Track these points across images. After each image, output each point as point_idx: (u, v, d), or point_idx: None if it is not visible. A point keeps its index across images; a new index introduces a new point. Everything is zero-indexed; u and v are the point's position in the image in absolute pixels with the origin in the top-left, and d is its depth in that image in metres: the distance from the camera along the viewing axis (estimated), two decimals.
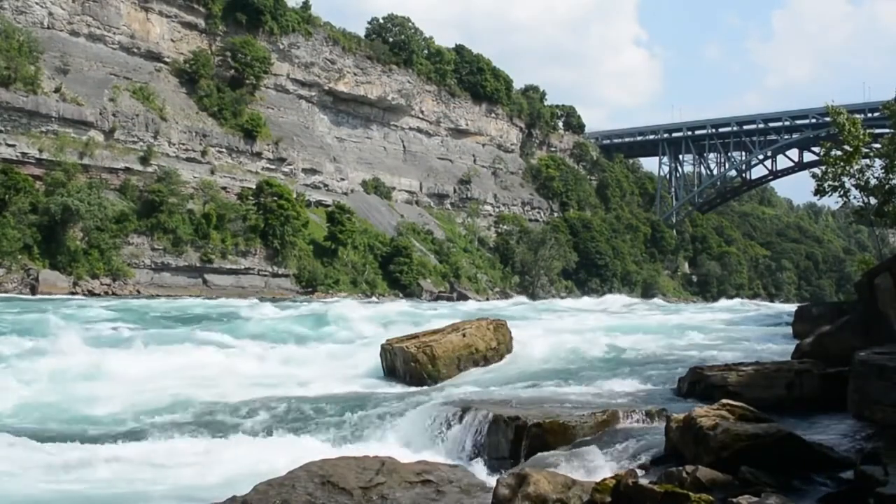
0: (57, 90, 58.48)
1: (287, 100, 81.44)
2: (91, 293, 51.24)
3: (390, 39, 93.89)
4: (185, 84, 71.56)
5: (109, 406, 12.70)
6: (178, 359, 16.95)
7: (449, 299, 69.14)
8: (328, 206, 77.04)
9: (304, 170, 78.54)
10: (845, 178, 26.53)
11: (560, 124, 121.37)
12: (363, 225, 78.90)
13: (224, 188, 67.84)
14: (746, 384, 10.79)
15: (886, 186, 26.26)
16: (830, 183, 26.93)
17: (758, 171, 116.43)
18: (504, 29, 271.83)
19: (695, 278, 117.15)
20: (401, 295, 72.52)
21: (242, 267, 64.64)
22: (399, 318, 28.95)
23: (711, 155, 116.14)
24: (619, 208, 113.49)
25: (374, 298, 66.45)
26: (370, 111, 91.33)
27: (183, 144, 66.60)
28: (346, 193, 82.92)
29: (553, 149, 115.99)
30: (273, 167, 74.58)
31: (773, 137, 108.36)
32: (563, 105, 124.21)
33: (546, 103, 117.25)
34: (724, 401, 8.50)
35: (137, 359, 16.58)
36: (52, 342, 17.55)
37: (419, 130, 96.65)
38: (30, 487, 8.31)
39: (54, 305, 33.43)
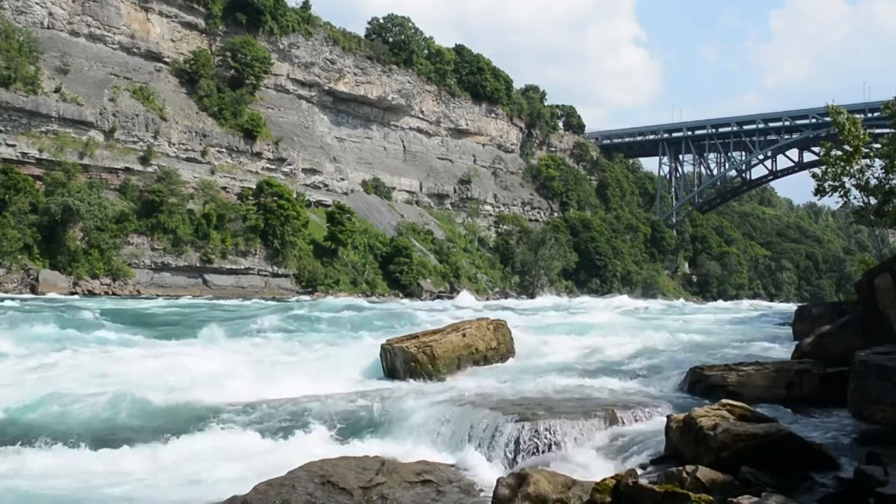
0: (57, 90, 58.49)
1: (287, 100, 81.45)
2: (91, 293, 51.23)
3: (390, 39, 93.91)
4: (185, 84, 71.57)
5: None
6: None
7: (449, 299, 69.06)
8: (328, 206, 77.03)
9: (304, 170, 78.54)
10: (845, 178, 26.56)
11: (560, 124, 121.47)
12: (363, 225, 78.89)
13: (224, 188, 67.84)
14: (746, 384, 10.80)
15: (886, 186, 26.30)
16: (830, 183, 26.94)
17: (758, 171, 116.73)
18: (501, 29, 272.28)
19: (695, 278, 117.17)
20: (401, 295, 72.49)
21: (242, 267, 64.63)
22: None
23: (711, 155, 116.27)
24: (619, 208, 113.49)
25: (374, 298, 66.41)
26: (370, 111, 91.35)
27: (183, 144, 66.59)
28: (346, 193, 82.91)
29: (553, 149, 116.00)
30: (273, 167, 74.58)
31: (773, 137, 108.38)
32: (563, 105, 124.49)
33: (546, 103, 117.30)
34: (724, 401, 8.51)
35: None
36: None
37: (419, 130, 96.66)
38: None
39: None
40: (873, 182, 26.62)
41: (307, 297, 59.71)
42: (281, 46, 79.92)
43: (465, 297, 62.14)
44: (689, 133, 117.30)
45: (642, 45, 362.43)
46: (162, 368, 15.54)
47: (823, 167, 28.13)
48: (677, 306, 47.56)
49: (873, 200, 27.02)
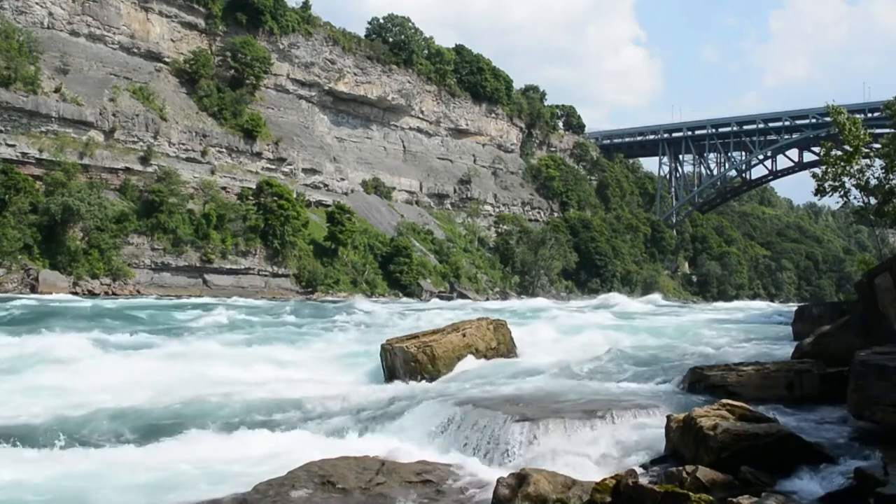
0: (57, 90, 58.46)
1: (287, 100, 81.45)
2: (91, 293, 51.23)
3: (390, 39, 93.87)
4: (185, 84, 71.56)
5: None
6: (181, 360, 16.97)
7: (449, 299, 69.06)
8: (328, 206, 77.02)
9: (304, 170, 78.54)
10: (845, 178, 26.54)
11: (560, 124, 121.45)
12: (363, 225, 78.88)
13: (224, 188, 67.82)
14: (746, 384, 10.80)
15: (886, 186, 26.29)
16: (830, 183, 26.92)
17: (758, 171, 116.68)
18: (501, 29, 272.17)
19: (695, 278, 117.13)
20: (401, 295, 72.49)
21: (242, 267, 64.61)
22: None
23: (711, 155, 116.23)
24: (619, 208, 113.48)
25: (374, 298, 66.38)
26: (370, 111, 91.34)
27: (183, 144, 66.58)
28: (346, 193, 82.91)
29: (553, 149, 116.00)
30: (273, 167, 74.58)
31: (773, 137, 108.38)
32: (563, 105, 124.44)
33: (546, 103, 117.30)
34: (724, 401, 8.52)
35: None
36: None
37: (419, 130, 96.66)
38: None
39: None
40: (873, 182, 26.61)
41: (301, 298, 59.68)
42: (281, 46, 79.91)
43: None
44: (689, 133, 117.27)
45: (642, 45, 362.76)
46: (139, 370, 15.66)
47: (823, 167, 28.09)
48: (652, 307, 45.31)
49: (873, 200, 27.01)
